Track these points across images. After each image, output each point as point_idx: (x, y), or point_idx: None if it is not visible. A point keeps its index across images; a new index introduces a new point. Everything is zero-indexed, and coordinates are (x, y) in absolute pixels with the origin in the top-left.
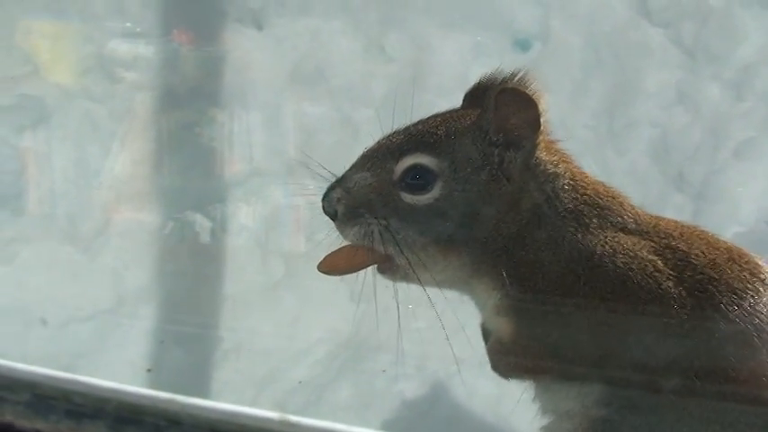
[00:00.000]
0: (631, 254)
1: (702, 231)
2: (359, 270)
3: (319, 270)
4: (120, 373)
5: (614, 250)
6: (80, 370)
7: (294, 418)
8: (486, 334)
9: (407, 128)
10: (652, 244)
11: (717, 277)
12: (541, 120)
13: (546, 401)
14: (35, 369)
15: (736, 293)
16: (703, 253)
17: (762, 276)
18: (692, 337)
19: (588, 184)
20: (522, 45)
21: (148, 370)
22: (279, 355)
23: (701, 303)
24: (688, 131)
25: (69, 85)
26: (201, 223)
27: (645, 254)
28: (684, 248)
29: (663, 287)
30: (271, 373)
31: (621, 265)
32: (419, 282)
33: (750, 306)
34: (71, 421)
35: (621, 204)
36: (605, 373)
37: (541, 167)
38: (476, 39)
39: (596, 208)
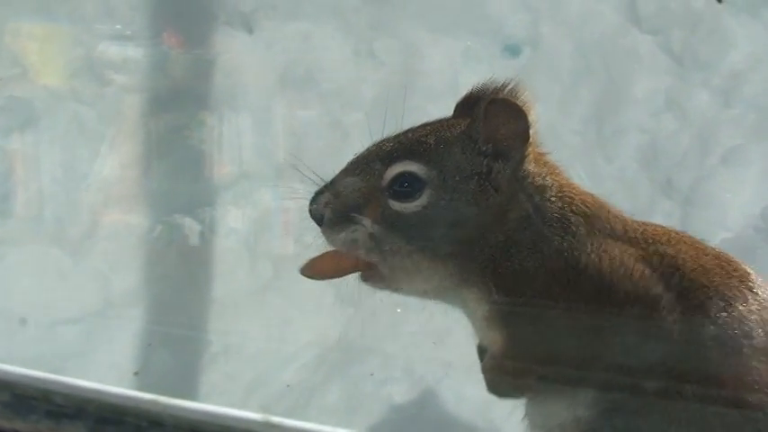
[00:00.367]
0: (618, 261)
1: (691, 238)
2: (342, 276)
3: (302, 274)
4: (107, 376)
5: (601, 258)
6: (66, 373)
7: (276, 419)
8: (481, 353)
9: (397, 135)
10: (640, 251)
11: (706, 283)
12: (531, 131)
13: (536, 416)
14: (15, 369)
15: (724, 300)
16: (692, 259)
17: (749, 283)
18: (682, 343)
19: (576, 195)
20: (512, 51)
21: (135, 373)
22: (267, 359)
23: (690, 310)
24: (676, 138)
25: (58, 87)
26: (190, 226)
27: (632, 261)
28: (672, 254)
29: (651, 294)
30: (259, 377)
31: (609, 272)
32: (404, 291)
33: (739, 312)
34: (51, 421)
35: (609, 212)
36: (596, 382)
37: (529, 179)
38: (466, 44)
39: (583, 217)
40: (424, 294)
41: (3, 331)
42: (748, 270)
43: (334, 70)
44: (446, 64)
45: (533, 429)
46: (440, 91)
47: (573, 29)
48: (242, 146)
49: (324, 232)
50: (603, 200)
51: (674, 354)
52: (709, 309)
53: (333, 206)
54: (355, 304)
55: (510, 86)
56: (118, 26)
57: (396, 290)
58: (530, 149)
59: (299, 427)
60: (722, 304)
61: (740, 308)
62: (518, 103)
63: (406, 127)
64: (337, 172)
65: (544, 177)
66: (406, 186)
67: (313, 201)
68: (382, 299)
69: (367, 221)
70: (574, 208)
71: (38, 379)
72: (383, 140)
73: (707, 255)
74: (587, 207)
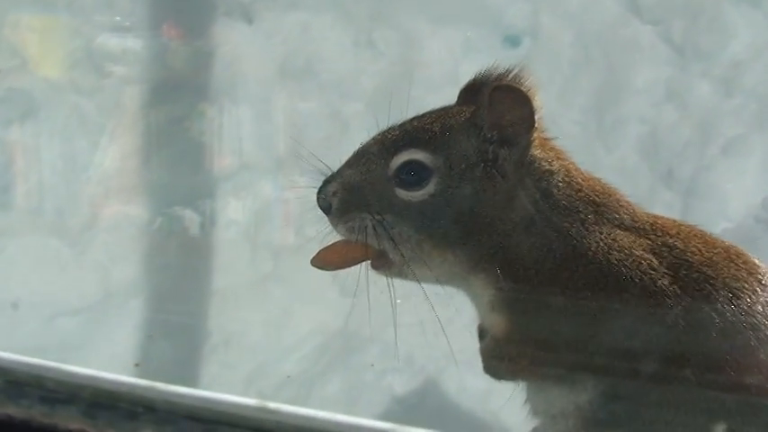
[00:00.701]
0: (627, 251)
1: (700, 230)
2: (352, 265)
3: (312, 265)
4: (108, 367)
5: (609, 247)
6: (67, 364)
7: (273, 405)
8: (482, 334)
9: (402, 124)
10: (648, 241)
11: (714, 276)
12: (536, 117)
13: (538, 402)
14: (7, 355)
15: (732, 292)
16: (700, 251)
17: (759, 276)
18: (689, 335)
19: (583, 181)
20: (512, 41)
21: (136, 364)
22: (267, 350)
23: (698, 302)
24: (677, 128)
25: (57, 78)
26: (190, 217)
27: (641, 251)
28: (681, 246)
29: (658, 285)
30: (259, 368)
31: (616, 262)
32: (414, 278)
33: (747, 305)
34: (44, 406)
35: (618, 201)
36: (600, 371)
37: (536, 164)
38: (466, 34)
39: (592, 204)
40: (432, 280)
41: (3, 322)
42: (757, 262)
43: (333, 61)
44: (446, 55)
45: (535, 415)
46: (439, 82)
47: (573, 19)
48: (242, 137)
49: (332, 221)
50: (611, 186)
51: (681, 345)
52: (716, 301)
53: (340, 195)
54: (356, 295)
55: (514, 73)
56: (117, 17)
57: (405, 277)
58: (535, 135)
59: (295, 412)
60: (730, 296)
61: (748, 300)
62: (523, 88)
63: (408, 117)
64: (338, 162)
65: (551, 162)
66: (413, 175)
67: (320, 190)
68: (383, 290)
69: (375, 210)
70: (582, 195)
71: (31, 365)
72: (388, 129)
73: (715, 247)
74: (595, 194)
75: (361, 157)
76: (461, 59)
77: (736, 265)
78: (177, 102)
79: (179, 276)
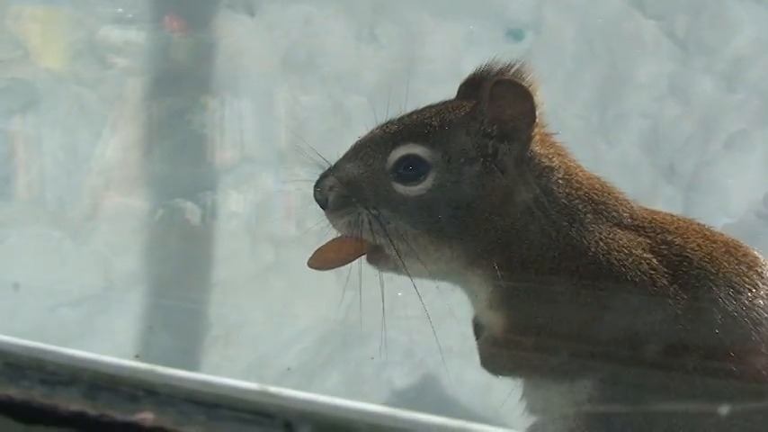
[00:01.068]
0: (627, 251)
1: (699, 225)
2: (350, 262)
3: (310, 266)
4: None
5: (609, 247)
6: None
7: (274, 389)
8: (477, 329)
9: (401, 118)
10: (647, 240)
11: (714, 271)
12: (537, 112)
13: (535, 400)
14: (7, 338)
15: (733, 287)
16: (700, 247)
17: (759, 270)
18: (690, 332)
19: (583, 179)
20: (515, 35)
21: (136, 355)
22: (268, 342)
23: (698, 298)
24: (679, 123)
25: (60, 69)
26: (191, 209)
27: (640, 251)
28: (680, 243)
29: (658, 285)
30: (259, 360)
31: (616, 262)
32: (410, 273)
33: (748, 300)
34: (44, 388)
35: (617, 199)
36: (598, 368)
37: (536, 160)
38: (468, 28)
39: (591, 203)
40: (429, 276)
41: (4, 313)
42: (757, 255)
43: (335, 54)
44: (448, 48)
45: (532, 412)
46: (442, 75)
47: (576, 13)
48: (243, 130)
49: (328, 216)
50: (610, 184)
51: (682, 342)
52: (718, 297)
53: (337, 190)
54: (357, 287)
55: (515, 67)
56: (120, 9)
57: (401, 271)
58: (536, 130)
59: (295, 396)
60: (730, 292)
61: (749, 295)
62: (524, 83)
63: (407, 111)
64: (340, 155)
65: (551, 158)
66: (411, 169)
67: (317, 184)
68: (383, 283)
69: (371, 205)
70: (581, 192)
71: (31, 348)
72: (387, 123)
73: (715, 242)
74: (595, 192)
75: (358, 151)
76: (464, 53)
77: (737, 259)
78: (179, 94)
79: (180, 268)
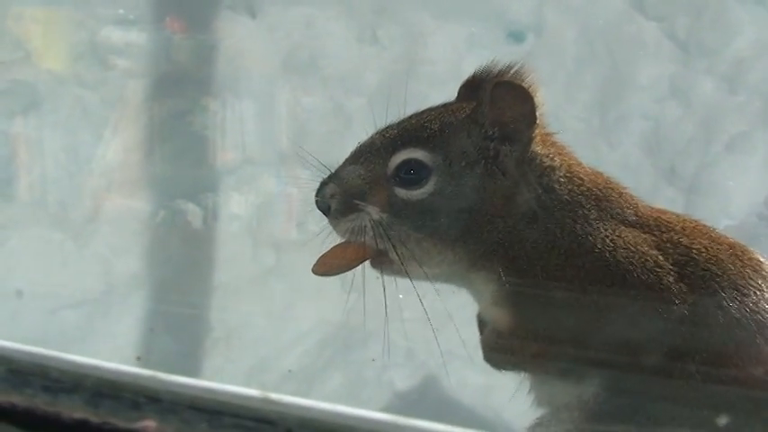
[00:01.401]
0: (632, 248)
1: (705, 226)
2: (354, 267)
3: (314, 273)
4: (109, 360)
5: (615, 244)
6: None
7: (275, 396)
8: (481, 324)
9: (401, 122)
10: (653, 238)
11: (719, 273)
12: (537, 113)
13: (542, 394)
14: (11, 344)
15: (738, 290)
16: (705, 248)
17: (764, 273)
18: (694, 331)
19: (585, 176)
20: (516, 37)
21: (138, 357)
22: (269, 344)
23: (703, 299)
24: (680, 125)
25: (61, 71)
26: (193, 211)
27: (646, 248)
28: (686, 243)
29: (664, 283)
30: (261, 362)
31: (622, 259)
32: (413, 276)
33: (753, 303)
34: (47, 395)
35: (621, 195)
36: (604, 366)
37: (537, 161)
38: (469, 30)
39: (594, 199)
40: (432, 278)
41: (5, 315)
42: (761, 259)
43: (337, 56)
44: (449, 50)
45: (539, 406)
46: (443, 77)
47: (577, 15)
48: (245, 131)
49: (331, 223)
50: (614, 180)
51: (686, 341)
52: (723, 299)
53: (339, 196)
54: (358, 290)
55: (515, 68)
56: (121, 11)
57: (404, 275)
58: (537, 131)
59: (296, 403)
60: (735, 294)
61: (753, 297)
62: (524, 84)
63: (407, 114)
64: (341, 158)
65: (552, 158)
66: (412, 173)
67: (318, 192)
68: (385, 285)
69: (373, 210)
70: (584, 189)
71: (34, 354)
72: (387, 127)
73: (721, 244)
74: (598, 189)
75: (359, 157)
76: (465, 55)
77: (742, 262)
78: (180, 95)
79: (181, 270)
